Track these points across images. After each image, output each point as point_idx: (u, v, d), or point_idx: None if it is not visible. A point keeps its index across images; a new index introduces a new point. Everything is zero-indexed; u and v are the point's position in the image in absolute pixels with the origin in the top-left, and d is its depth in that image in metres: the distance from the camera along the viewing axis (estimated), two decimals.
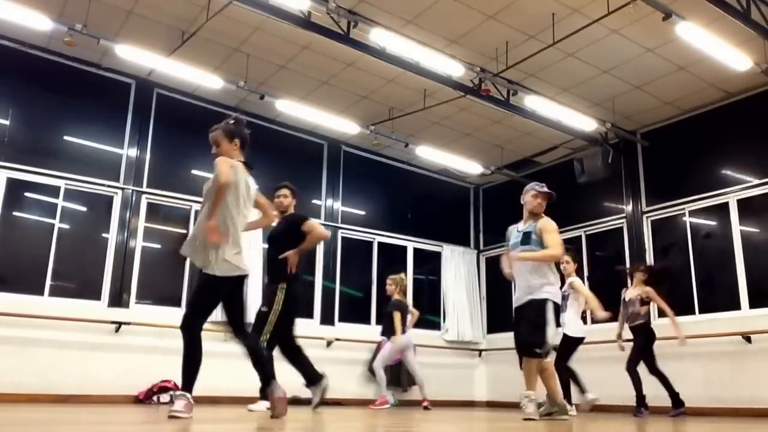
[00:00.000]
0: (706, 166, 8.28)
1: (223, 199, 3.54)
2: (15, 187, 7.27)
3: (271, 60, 7.67)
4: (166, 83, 8.18)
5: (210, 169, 3.70)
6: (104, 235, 7.76)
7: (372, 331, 9.10)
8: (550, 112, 8.09)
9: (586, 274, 9.17)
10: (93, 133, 7.92)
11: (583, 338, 6.42)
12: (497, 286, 10.85)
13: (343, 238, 9.68)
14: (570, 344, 6.37)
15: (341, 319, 9.18)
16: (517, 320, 4.67)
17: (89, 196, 7.75)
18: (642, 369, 6.53)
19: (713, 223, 8.36)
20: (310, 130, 9.47)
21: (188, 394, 3.44)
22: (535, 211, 4.80)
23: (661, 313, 7.22)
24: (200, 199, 3.69)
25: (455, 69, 7.22)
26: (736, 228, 7.82)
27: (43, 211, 7.55)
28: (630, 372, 6.51)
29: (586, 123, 8.32)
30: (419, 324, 10.15)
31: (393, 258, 10.26)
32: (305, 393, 8.08)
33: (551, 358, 4.90)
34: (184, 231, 8.25)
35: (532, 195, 4.85)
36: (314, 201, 9.61)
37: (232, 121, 3.93)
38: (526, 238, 4.71)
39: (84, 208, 7.86)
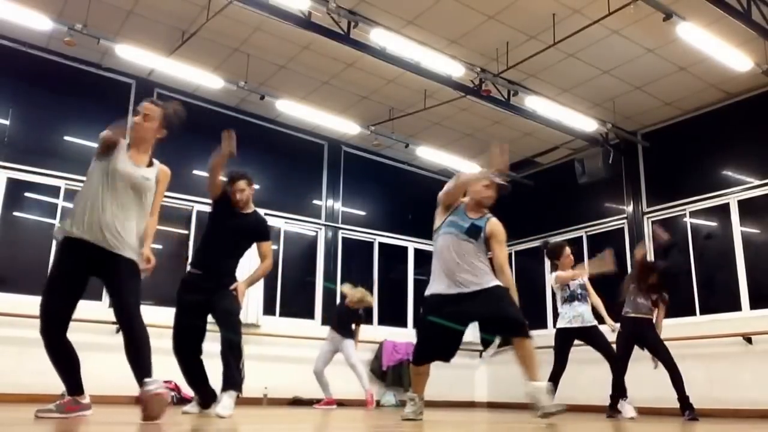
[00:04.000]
0: (706, 167, 8.28)
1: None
2: (15, 187, 7.26)
3: (272, 60, 7.66)
4: (167, 83, 8.17)
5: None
6: None
7: (373, 331, 9.11)
8: (551, 112, 8.08)
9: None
10: (93, 133, 7.81)
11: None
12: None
13: (343, 238, 9.68)
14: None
15: None
16: (473, 305, 3.99)
17: None
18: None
19: (714, 224, 8.35)
20: (311, 131, 9.47)
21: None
22: (484, 204, 4.10)
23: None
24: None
25: (456, 69, 7.21)
26: (737, 229, 7.82)
27: (44, 211, 7.55)
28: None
29: (586, 123, 8.32)
30: None
31: (393, 259, 10.26)
32: (305, 393, 8.11)
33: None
34: (185, 231, 8.25)
35: (484, 185, 4.07)
36: (315, 201, 9.61)
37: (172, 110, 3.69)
38: (474, 232, 4.02)
39: None
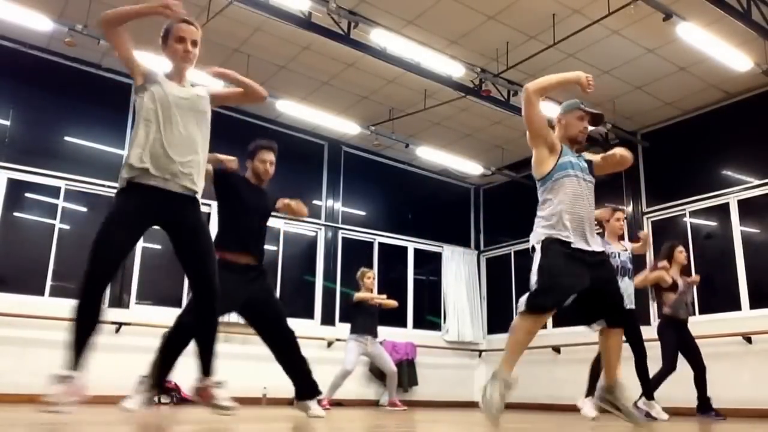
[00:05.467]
0: (706, 167, 8.28)
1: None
2: (15, 188, 7.27)
3: (272, 60, 7.67)
4: None
5: None
6: None
7: None
8: (551, 112, 8.08)
9: None
10: (93, 133, 7.92)
11: None
12: (497, 286, 10.86)
13: (343, 238, 9.69)
14: None
15: (342, 320, 9.17)
16: (598, 273, 3.39)
17: (89, 196, 7.75)
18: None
19: (714, 223, 8.36)
20: (311, 131, 9.48)
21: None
22: (578, 140, 3.66)
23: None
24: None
25: (456, 69, 7.22)
26: (737, 229, 7.82)
27: (44, 211, 7.55)
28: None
29: None
30: (420, 324, 10.19)
31: (393, 259, 10.27)
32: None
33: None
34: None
35: (577, 117, 3.70)
36: (315, 201, 9.61)
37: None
38: (591, 170, 3.65)
39: (84, 209, 7.86)
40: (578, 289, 3.31)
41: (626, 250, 5.67)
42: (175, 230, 3.05)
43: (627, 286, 5.46)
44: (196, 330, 3.13)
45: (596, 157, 3.78)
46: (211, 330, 3.12)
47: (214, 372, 3.18)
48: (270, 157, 4.28)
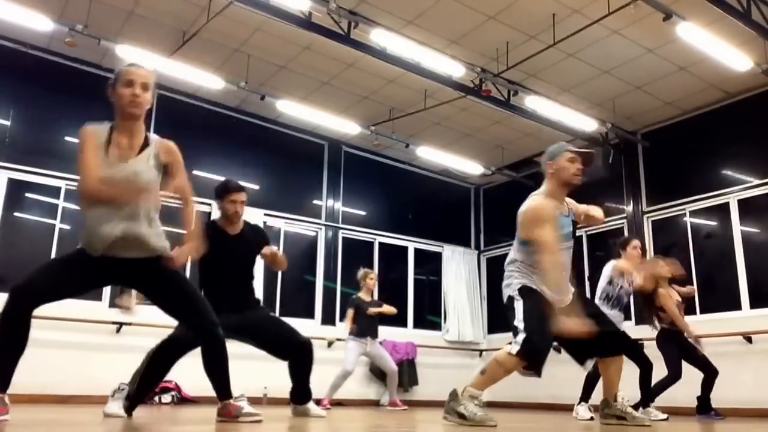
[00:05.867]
0: (706, 167, 8.28)
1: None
2: (16, 188, 7.28)
3: (272, 60, 7.67)
4: (167, 84, 8.17)
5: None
6: None
7: None
8: (551, 112, 8.09)
9: (587, 274, 9.17)
10: None
11: None
12: (498, 286, 10.83)
13: (343, 238, 9.69)
14: None
15: (342, 320, 9.16)
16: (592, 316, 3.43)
17: None
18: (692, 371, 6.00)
19: (714, 223, 8.36)
20: (311, 131, 9.48)
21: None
22: (572, 183, 3.47)
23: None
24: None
25: (456, 69, 7.22)
26: (737, 228, 7.83)
27: (44, 211, 7.56)
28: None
29: (586, 123, 8.33)
30: (421, 324, 10.19)
31: (394, 258, 10.27)
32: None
33: None
34: (185, 232, 8.24)
35: (567, 159, 3.45)
36: (315, 201, 9.62)
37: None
38: (574, 230, 3.57)
39: None
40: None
41: (630, 285, 5.70)
42: (143, 289, 3.12)
43: (614, 316, 5.45)
44: (205, 360, 3.15)
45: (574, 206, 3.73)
46: (221, 358, 3.13)
47: (230, 393, 3.23)
48: (240, 197, 4.00)
